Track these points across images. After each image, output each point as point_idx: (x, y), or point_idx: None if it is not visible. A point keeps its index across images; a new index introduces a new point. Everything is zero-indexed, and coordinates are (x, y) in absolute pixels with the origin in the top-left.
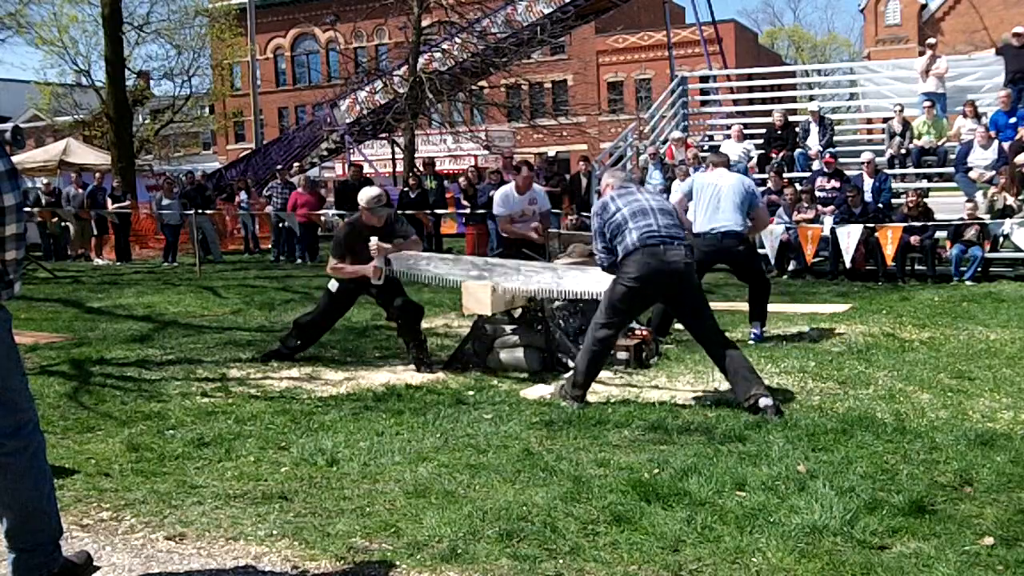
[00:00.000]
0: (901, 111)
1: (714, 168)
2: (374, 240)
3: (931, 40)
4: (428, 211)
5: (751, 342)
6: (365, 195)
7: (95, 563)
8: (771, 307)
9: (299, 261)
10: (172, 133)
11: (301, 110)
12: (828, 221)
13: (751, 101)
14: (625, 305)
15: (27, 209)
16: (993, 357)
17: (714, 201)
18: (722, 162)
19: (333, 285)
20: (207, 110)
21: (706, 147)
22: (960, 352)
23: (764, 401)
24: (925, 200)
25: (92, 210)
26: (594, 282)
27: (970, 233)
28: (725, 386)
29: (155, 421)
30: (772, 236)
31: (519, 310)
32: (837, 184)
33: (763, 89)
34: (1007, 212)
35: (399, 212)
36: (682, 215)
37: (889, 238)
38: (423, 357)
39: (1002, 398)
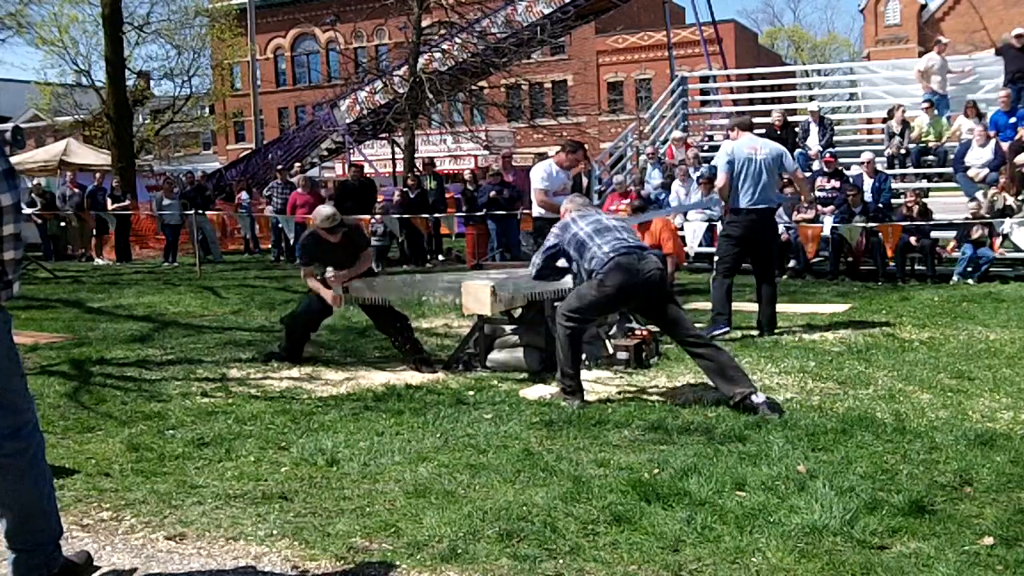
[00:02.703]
0: (901, 111)
1: (741, 133)
2: (330, 270)
3: (943, 39)
4: (425, 215)
5: (764, 336)
6: (319, 215)
7: (95, 563)
8: None
9: (299, 261)
10: (172, 133)
11: (301, 110)
12: (828, 221)
13: (751, 101)
14: (596, 307)
15: (27, 211)
16: (993, 357)
17: (756, 176)
18: (747, 124)
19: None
20: (207, 110)
21: (706, 147)
22: (960, 352)
23: (755, 398)
24: (924, 200)
25: (92, 210)
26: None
27: (978, 233)
28: None
29: (155, 421)
30: None
31: (519, 310)
32: (837, 184)
33: (763, 89)
34: (1007, 212)
35: (400, 216)
36: (726, 193)
37: (889, 234)
38: (421, 356)
39: (1002, 398)
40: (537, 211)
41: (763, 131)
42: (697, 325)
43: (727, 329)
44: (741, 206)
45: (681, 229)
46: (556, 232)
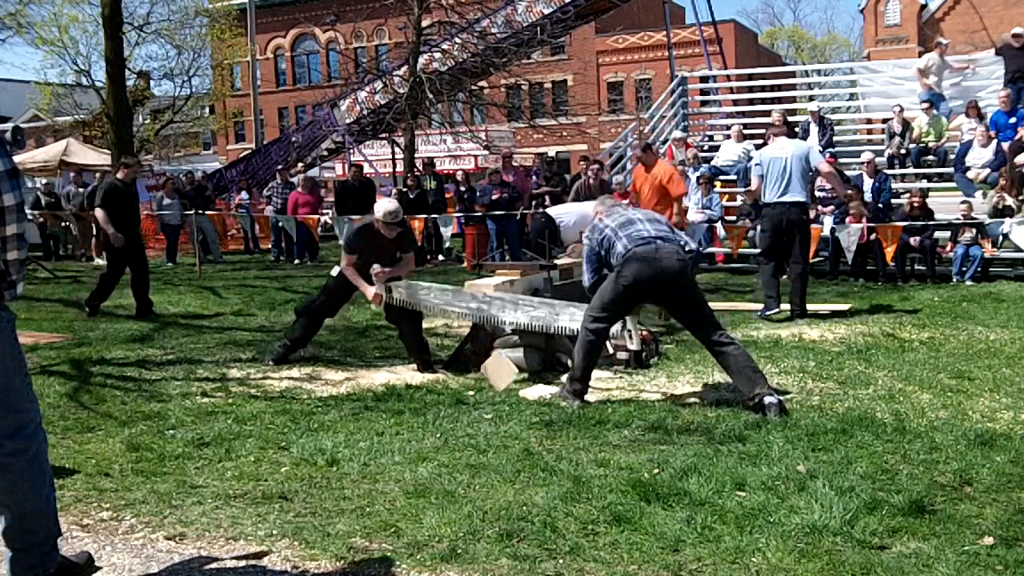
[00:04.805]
0: (901, 111)
1: (775, 138)
2: (376, 267)
3: (943, 40)
4: (424, 215)
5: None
6: (382, 208)
7: (95, 563)
8: None
9: (298, 261)
10: (172, 133)
11: (301, 110)
12: (828, 221)
13: (751, 101)
14: (619, 302)
15: (28, 212)
16: (993, 357)
17: (781, 174)
18: (782, 131)
19: (335, 271)
20: (207, 110)
21: (706, 147)
22: (960, 352)
23: (769, 399)
24: (926, 201)
25: (92, 210)
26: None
27: (966, 235)
28: (725, 386)
29: (155, 421)
30: None
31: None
32: None
33: (763, 89)
34: (1007, 212)
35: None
36: (757, 195)
37: (889, 238)
38: (425, 358)
39: (1002, 398)
40: (555, 213)
41: (763, 131)
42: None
43: (777, 309)
44: (767, 200)
45: (680, 229)
46: (589, 236)
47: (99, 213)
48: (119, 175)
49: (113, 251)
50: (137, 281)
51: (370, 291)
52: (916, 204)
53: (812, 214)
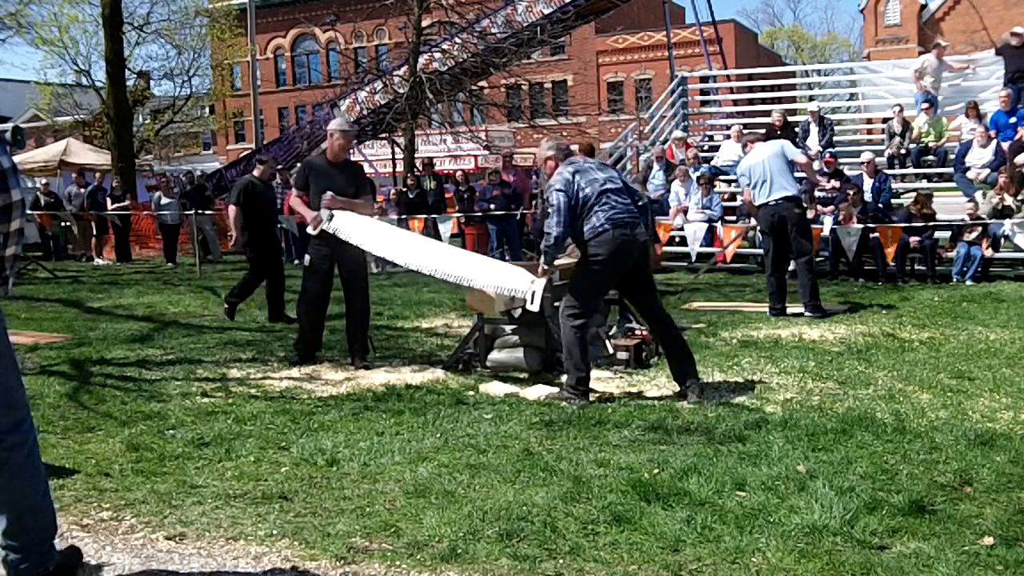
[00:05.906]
0: (901, 111)
1: (752, 146)
2: (329, 193)
3: (942, 42)
4: (424, 215)
5: (807, 314)
6: (338, 122)
7: (95, 563)
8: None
9: (298, 261)
10: (172, 133)
11: (301, 110)
12: (828, 221)
13: (751, 101)
14: (594, 286)
15: (28, 212)
16: (993, 357)
17: (764, 175)
18: (759, 139)
19: (306, 259)
20: (207, 110)
21: (706, 147)
22: (960, 352)
23: (692, 384)
24: (930, 202)
25: (92, 210)
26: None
27: (973, 235)
28: (725, 386)
29: (155, 421)
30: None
31: (519, 310)
32: (837, 184)
33: (763, 89)
34: (1007, 212)
35: (399, 216)
36: (750, 202)
37: (889, 238)
38: (361, 354)
39: (1002, 398)
40: None
41: (763, 131)
42: (697, 326)
43: (784, 319)
44: (758, 202)
45: (681, 229)
46: (560, 188)
47: (232, 211)
48: (255, 173)
49: (256, 252)
50: (273, 287)
51: (310, 214)
52: (923, 205)
53: (812, 214)
